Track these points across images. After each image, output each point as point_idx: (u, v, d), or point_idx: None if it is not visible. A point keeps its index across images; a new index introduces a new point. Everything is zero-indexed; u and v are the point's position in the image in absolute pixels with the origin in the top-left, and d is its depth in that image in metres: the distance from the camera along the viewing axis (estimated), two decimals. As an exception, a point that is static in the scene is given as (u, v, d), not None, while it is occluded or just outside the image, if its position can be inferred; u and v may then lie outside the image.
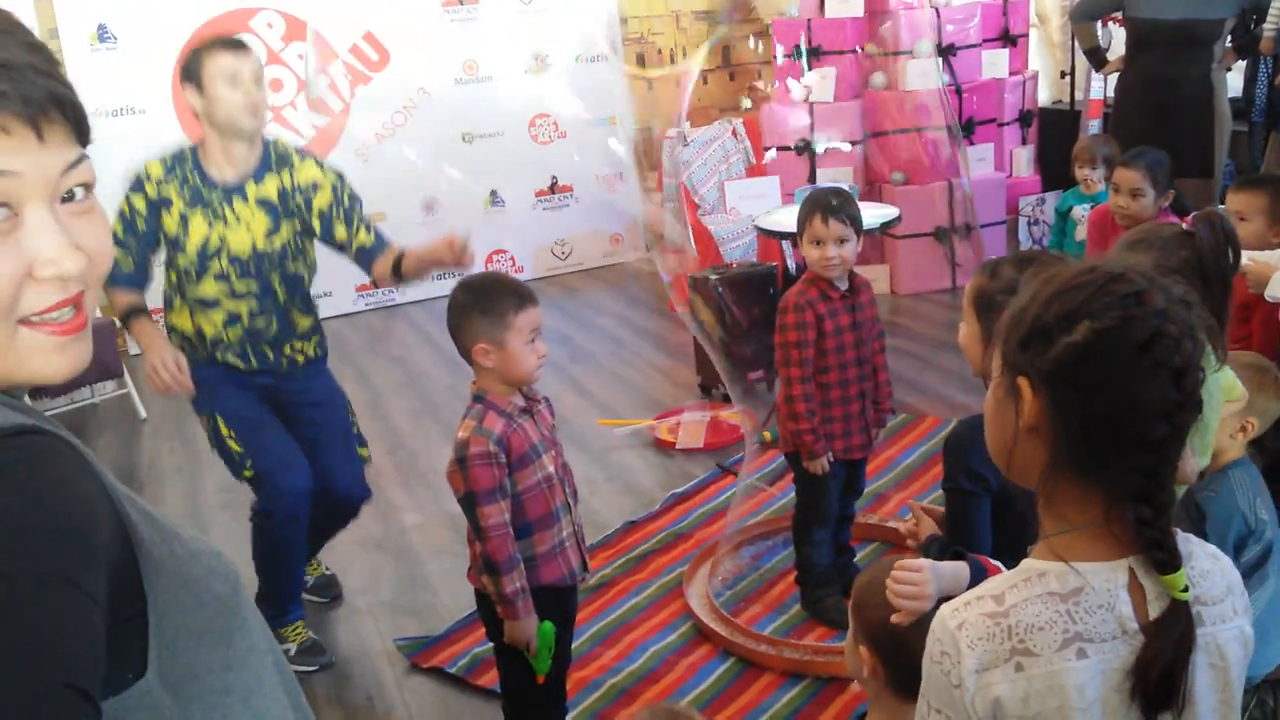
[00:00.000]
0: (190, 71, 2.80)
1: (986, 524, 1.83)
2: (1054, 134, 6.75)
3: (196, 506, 4.32)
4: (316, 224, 2.99)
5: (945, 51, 6.08)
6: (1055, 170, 6.40)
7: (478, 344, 2.23)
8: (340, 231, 2.99)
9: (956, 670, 1.10)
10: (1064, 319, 1.08)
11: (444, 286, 8.12)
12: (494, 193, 7.14)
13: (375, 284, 3.27)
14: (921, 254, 6.14)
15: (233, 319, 2.97)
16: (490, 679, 2.97)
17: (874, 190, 6.25)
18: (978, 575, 1.65)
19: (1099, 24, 5.26)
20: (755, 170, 6.45)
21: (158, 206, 2.89)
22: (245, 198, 2.92)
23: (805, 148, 6.24)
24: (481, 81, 6.95)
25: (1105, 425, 1.07)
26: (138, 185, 2.90)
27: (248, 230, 2.92)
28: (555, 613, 2.34)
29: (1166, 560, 1.07)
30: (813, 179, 6.18)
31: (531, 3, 7.00)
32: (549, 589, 2.33)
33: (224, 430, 3.01)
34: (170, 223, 2.90)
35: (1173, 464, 1.09)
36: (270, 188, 2.94)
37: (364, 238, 3.00)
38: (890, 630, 1.57)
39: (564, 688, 2.59)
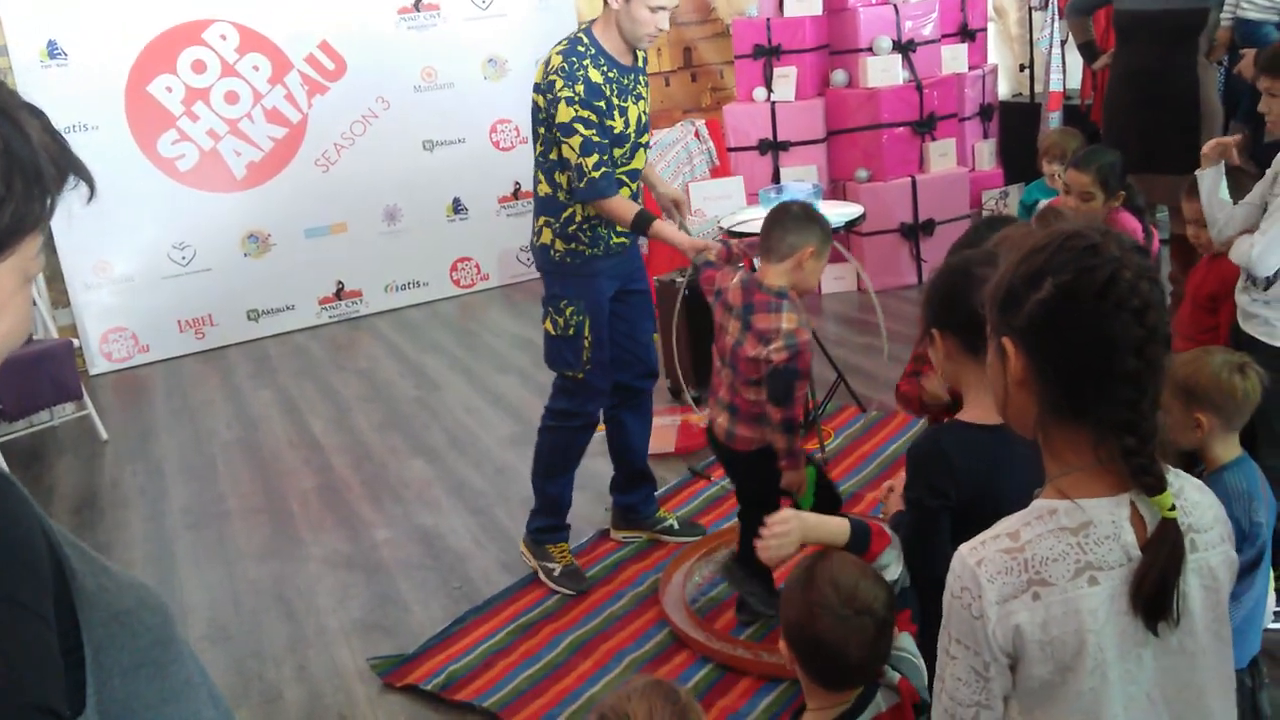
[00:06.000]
0: None
1: (945, 537, 1.79)
2: (1015, 127, 6.78)
3: (161, 528, 4.24)
4: None
5: (905, 48, 6.10)
6: (1017, 163, 6.42)
7: (810, 248, 2.69)
8: None
9: (978, 603, 1.19)
10: (1030, 279, 1.19)
11: (406, 297, 7.95)
12: (457, 200, 7.09)
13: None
14: (887, 250, 6.16)
15: (635, 175, 3.25)
16: (466, 694, 2.93)
17: (838, 188, 6.25)
18: (860, 535, 1.78)
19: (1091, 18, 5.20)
20: (719, 171, 6.43)
21: (605, 115, 3.07)
22: (641, 69, 3.23)
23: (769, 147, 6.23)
24: (441, 88, 6.89)
25: (1082, 368, 1.18)
26: (597, 93, 3.04)
27: (647, 92, 3.25)
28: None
29: (1153, 484, 1.18)
30: (776, 178, 6.16)
31: (489, 7, 6.95)
32: None
33: (586, 331, 3.25)
34: (614, 123, 3.10)
35: (1151, 396, 1.18)
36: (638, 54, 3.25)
37: None
38: (804, 632, 1.67)
39: None
